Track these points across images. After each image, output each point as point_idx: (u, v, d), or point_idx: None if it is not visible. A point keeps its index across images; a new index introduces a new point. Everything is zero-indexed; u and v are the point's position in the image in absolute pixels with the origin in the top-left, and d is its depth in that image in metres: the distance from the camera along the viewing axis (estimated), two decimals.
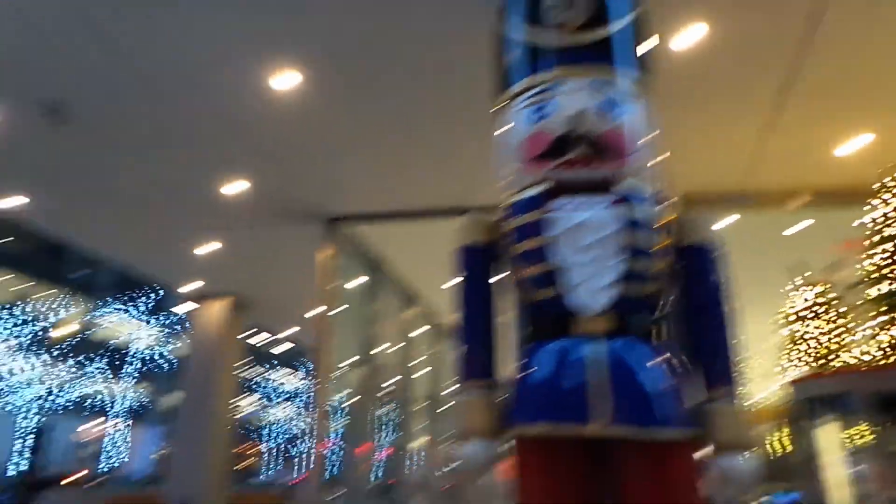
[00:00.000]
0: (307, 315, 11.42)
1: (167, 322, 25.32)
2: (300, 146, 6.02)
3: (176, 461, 10.57)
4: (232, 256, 9.07)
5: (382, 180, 6.68)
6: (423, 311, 10.64)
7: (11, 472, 18.07)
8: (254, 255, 9.05)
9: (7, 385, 19.50)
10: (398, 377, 10.24)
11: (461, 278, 2.40)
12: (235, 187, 6.74)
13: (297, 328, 14.47)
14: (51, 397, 20.14)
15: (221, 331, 10.79)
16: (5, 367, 19.99)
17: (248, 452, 35.72)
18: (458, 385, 2.27)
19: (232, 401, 11.11)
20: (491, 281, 2.38)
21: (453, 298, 2.39)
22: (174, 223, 8.00)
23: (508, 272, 2.36)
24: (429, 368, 11.34)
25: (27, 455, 18.72)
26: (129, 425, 24.72)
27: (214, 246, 8.67)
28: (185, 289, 10.62)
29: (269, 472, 37.06)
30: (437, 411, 11.82)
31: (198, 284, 10.63)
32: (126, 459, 25.37)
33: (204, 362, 10.78)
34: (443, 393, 11.95)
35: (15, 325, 20.34)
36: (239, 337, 11.43)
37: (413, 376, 10.60)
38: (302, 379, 37.49)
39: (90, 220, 8.06)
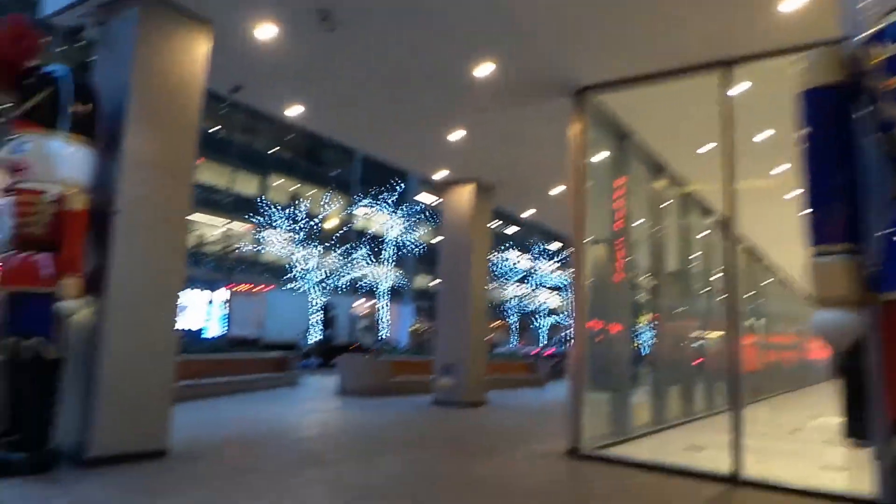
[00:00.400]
0: (552, 193, 11.55)
1: (414, 211, 27.65)
2: (546, 17, 5.74)
3: (440, 332, 11.83)
4: (477, 142, 9.34)
5: (630, 42, 6.12)
6: (672, 180, 9.99)
7: (312, 340, 22.09)
8: (498, 138, 9.19)
9: (299, 271, 23.39)
10: (645, 251, 9.91)
11: (810, 126, 2.07)
12: (484, 70, 6.76)
13: (533, 210, 14.70)
14: (330, 280, 23.74)
15: (470, 214, 11.42)
16: (294, 256, 23.83)
17: (493, 326, 38.86)
18: (813, 249, 2.03)
19: (484, 278, 11.91)
20: (849, 126, 2.02)
21: (801, 149, 2.08)
22: (428, 114, 8.37)
23: (874, 114, 1.97)
24: (677, 241, 10.81)
25: (321, 327, 22.64)
26: (389, 303, 28.26)
27: (460, 133, 8.99)
28: (436, 176, 11.30)
29: (513, 344, 40.13)
30: (687, 285, 11.37)
31: (444, 173, 11.25)
32: (389, 332, 29.30)
33: (457, 245, 11.60)
34: (689, 267, 11.40)
35: (294, 221, 23.86)
36: (488, 224, 12.01)
37: (662, 249, 10.17)
38: (533, 258, 38.86)
39: (353, 120, 8.86)
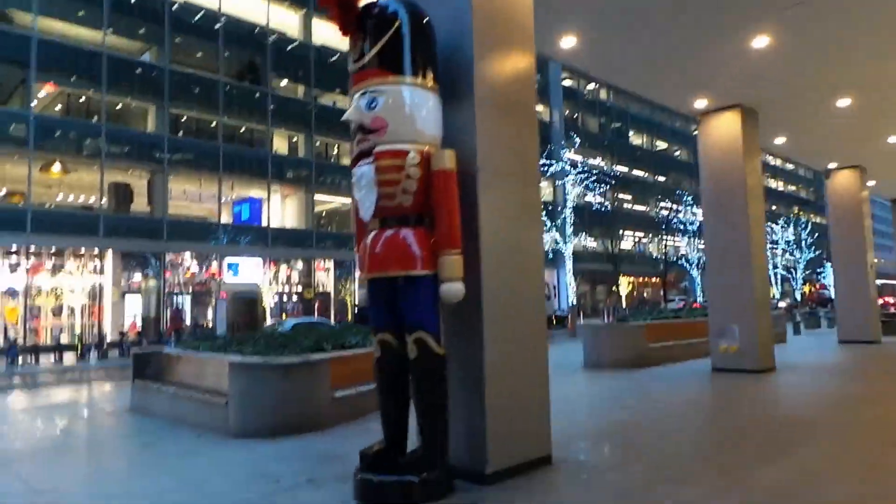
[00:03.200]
0: (839, 104, 9.44)
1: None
2: None
3: (712, 290, 10.18)
4: (763, 52, 7.57)
5: None
6: None
7: None
8: (798, 40, 7.39)
9: None
10: None
11: None
12: None
13: (783, 138, 12.32)
14: None
15: (739, 148, 9.52)
16: None
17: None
18: None
19: (762, 224, 10.00)
20: None
21: None
22: (719, 25, 6.87)
23: None
24: None
25: None
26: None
27: (758, 40, 7.27)
28: (699, 104, 9.51)
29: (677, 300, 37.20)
30: None
31: (703, 102, 9.50)
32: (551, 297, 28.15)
33: (723, 187, 9.75)
34: None
35: None
36: (759, 158, 10.05)
37: None
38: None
39: (622, 56, 7.55)
